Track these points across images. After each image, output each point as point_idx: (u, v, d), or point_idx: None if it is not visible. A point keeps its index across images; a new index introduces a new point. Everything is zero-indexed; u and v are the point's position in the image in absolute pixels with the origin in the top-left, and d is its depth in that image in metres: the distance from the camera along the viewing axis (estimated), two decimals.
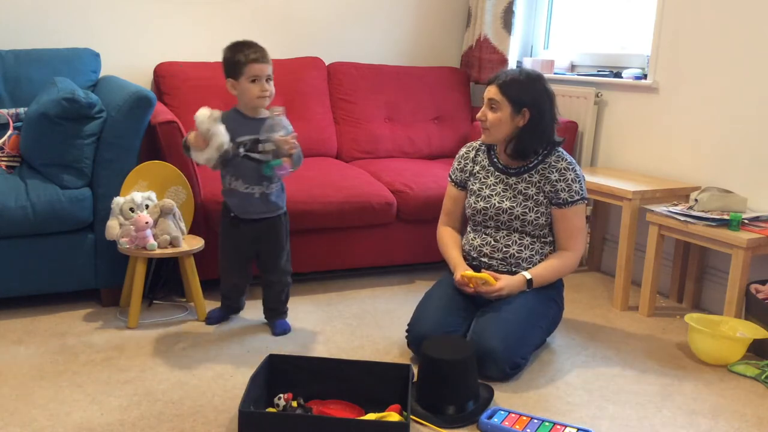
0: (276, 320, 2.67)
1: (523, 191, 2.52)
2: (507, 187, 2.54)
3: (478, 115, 2.53)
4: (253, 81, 2.44)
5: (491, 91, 2.49)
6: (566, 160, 2.52)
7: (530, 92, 2.46)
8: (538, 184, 2.51)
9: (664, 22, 3.24)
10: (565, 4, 4.03)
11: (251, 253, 2.64)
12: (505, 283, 2.43)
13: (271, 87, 2.47)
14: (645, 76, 3.37)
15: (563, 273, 2.54)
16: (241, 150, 2.47)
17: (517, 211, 2.50)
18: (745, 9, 2.90)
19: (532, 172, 2.52)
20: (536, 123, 2.47)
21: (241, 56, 2.42)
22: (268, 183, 2.52)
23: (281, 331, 2.64)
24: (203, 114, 2.34)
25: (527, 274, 2.47)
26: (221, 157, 2.40)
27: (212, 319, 2.72)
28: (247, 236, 2.58)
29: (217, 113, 2.37)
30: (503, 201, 2.52)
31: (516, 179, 2.54)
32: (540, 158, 2.52)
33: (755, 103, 2.88)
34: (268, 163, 2.44)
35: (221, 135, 2.35)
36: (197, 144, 2.38)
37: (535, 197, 2.50)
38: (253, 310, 2.77)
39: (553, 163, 2.51)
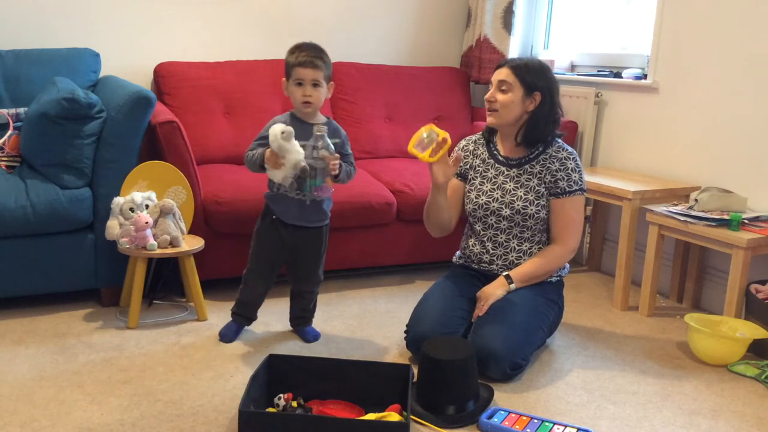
0: (305, 327, 2.64)
1: (525, 183, 2.51)
2: (507, 180, 2.53)
3: (487, 96, 2.50)
4: (299, 84, 2.39)
5: (502, 73, 2.47)
6: (567, 150, 2.51)
7: (542, 76, 2.47)
8: (539, 175, 2.50)
9: (664, 22, 3.24)
10: (565, 4, 4.03)
11: (285, 259, 2.56)
12: (484, 294, 2.46)
13: (317, 92, 2.40)
14: (645, 76, 3.37)
15: (549, 266, 2.50)
16: None
17: (518, 204, 2.49)
18: (745, 9, 2.90)
19: (533, 163, 2.51)
20: (548, 108, 2.47)
21: (291, 58, 2.40)
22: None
23: (313, 338, 2.61)
24: (274, 132, 2.27)
25: (505, 275, 2.49)
26: (298, 177, 2.32)
27: (228, 336, 2.58)
28: (286, 242, 2.49)
29: (290, 130, 2.27)
30: (505, 194, 2.52)
31: (517, 171, 2.53)
32: (541, 149, 2.52)
33: (755, 103, 2.88)
34: (310, 181, 2.35)
35: (296, 153, 2.28)
36: (271, 162, 2.29)
37: (536, 189, 2.49)
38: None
39: (553, 154, 2.50)
